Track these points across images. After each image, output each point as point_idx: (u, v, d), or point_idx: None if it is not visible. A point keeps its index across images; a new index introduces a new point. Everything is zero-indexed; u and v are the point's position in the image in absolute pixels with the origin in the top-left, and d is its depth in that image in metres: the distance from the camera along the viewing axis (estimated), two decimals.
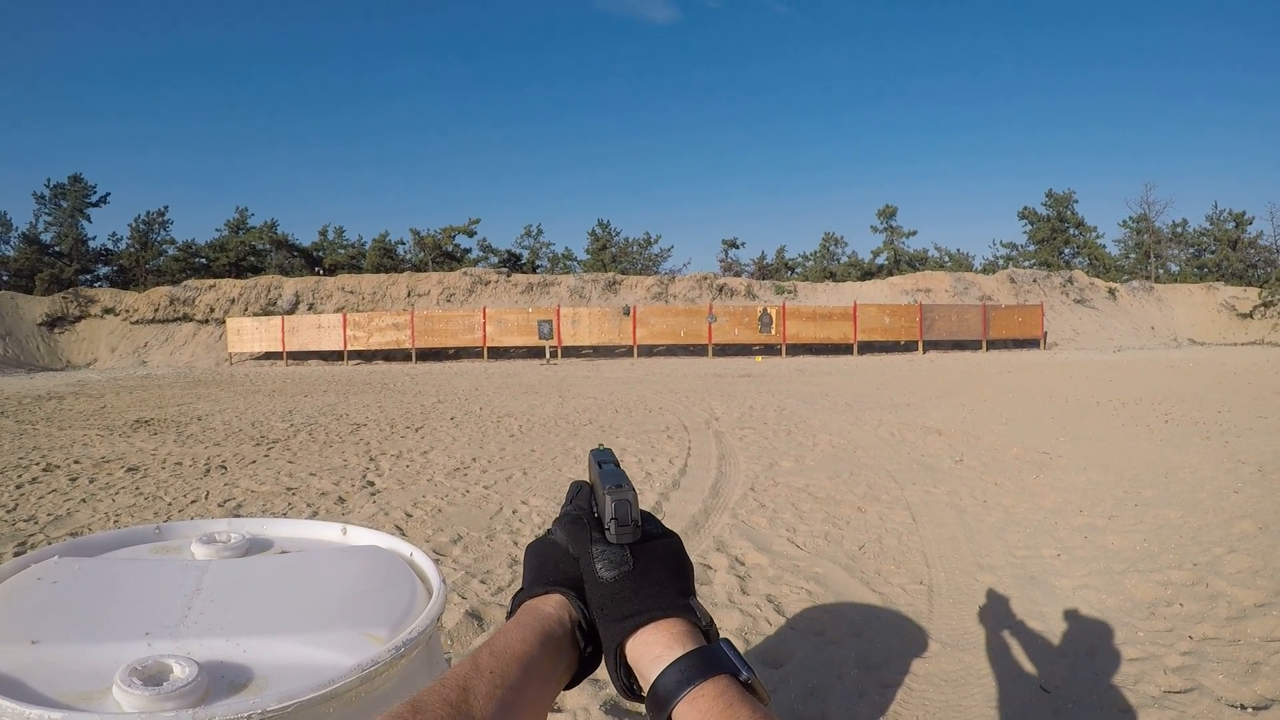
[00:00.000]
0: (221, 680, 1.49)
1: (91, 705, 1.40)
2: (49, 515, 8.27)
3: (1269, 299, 34.19)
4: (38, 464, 10.91)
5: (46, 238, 46.04)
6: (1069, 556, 6.38)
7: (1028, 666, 4.69)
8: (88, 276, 45.70)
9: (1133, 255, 52.29)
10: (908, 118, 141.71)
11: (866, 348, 28.96)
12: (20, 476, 10.10)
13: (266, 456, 11.81)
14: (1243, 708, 4.03)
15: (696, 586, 4.69)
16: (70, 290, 40.32)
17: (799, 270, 47.34)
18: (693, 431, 13.30)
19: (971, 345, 28.37)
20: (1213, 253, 49.80)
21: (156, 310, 38.53)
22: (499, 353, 32.17)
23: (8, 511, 8.38)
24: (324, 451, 12.20)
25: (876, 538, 7.18)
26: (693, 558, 6.66)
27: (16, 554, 6.96)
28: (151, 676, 1.43)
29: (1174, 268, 50.20)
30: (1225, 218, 50.37)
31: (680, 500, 8.74)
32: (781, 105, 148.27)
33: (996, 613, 5.46)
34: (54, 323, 38.23)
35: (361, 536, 2.37)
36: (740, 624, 5.43)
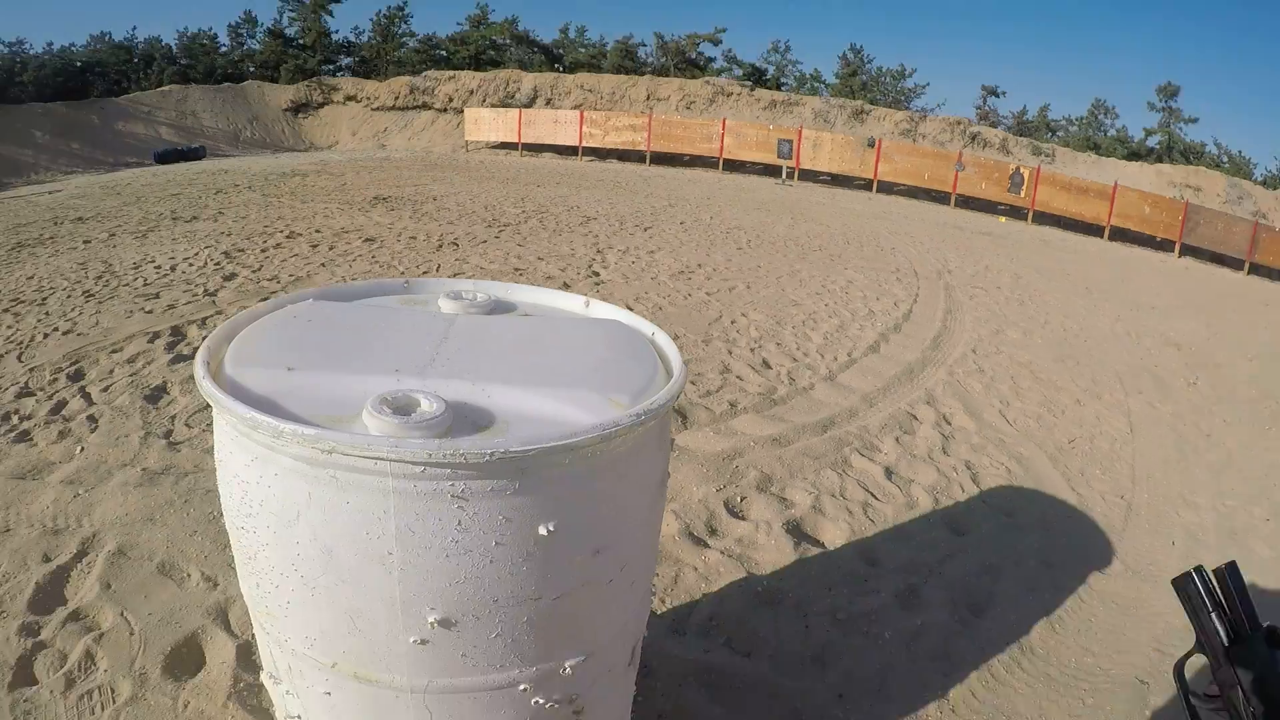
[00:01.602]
0: (465, 419, 1.67)
1: (341, 426, 1.59)
2: (291, 276, 9.21)
3: None
4: (281, 232, 11.80)
5: (291, 31, 47.68)
6: (1277, 524, 6.05)
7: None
8: (330, 67, 47.21)
9: None
10: None
11: (1118, 234, 27.25)
12: (265, 242, 11.03)
13: (497, 238, 12.39)
14: None
15: (899, 435, 4.85)
16: (314, 79, 41.89)
17: (1060, 134, 44.26)
18: (923, 279, 13.14)
19: (1233, 262, 26.14)
20: None
21: (396, 98, 39.59)
22: (734, 166, 31.68)
23: (253, 271, 9.42)
24: (553, 239, 12.67)
25: (1089, 436, 7.09)
26: (902, 405, 6.93)
27: None
28: (400, 407, 1.61)
29: None
30: None
31: (899, 344, 8.83)
32: None
33: (1190, 556, 5.31)
34: (298, 109, 39.97)
35: (603, 310, 2.53)
36: (934, 482, 5.60)
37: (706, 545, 4.47)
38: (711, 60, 48.24)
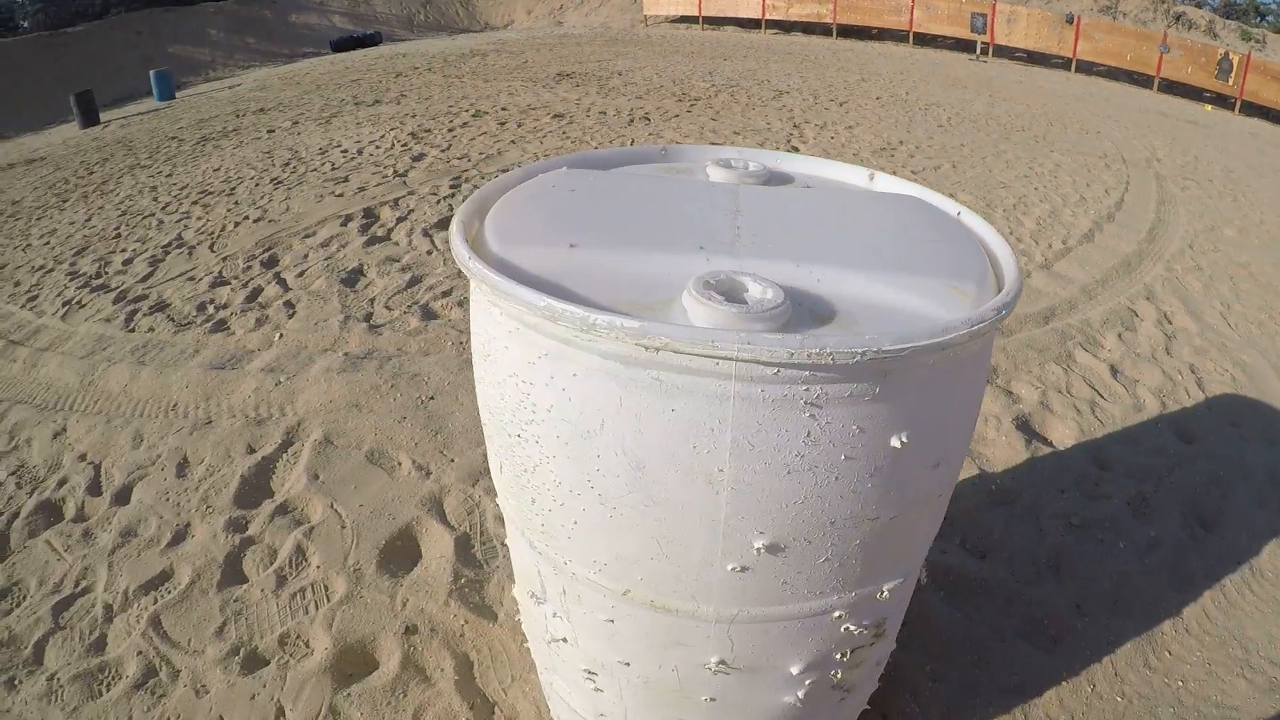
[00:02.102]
0: (802, 309, 1.37)
1: (655, 315, 1.31)
2: (481, 154, 8.86)
3: None
4: (467, 110, 11.45)
5: None
6: None
7: None
8: None
9: None
10: None
11: None
12: (451, 122, 10.69)
13: (689, 112, 11.83)
14: None
15: (1121, 331, 4.48)
16: None
17: (1271, 19, 40.36)
18: (1131, 166, 12.23)
19: None
20: None
21: None
22: (924, 40, 29.81)
23: (442, 150, 9.08)
24: (746, 113, 12.09)
25: None
26: (1121, 299, 6.42)
27: (452, 186, 7.53)
28: (729, 292, 1.33)
29: None
30: None
31: (1114, 234, 8.19)
32: None
33: None
34: None
35: (894, 185, 2.16)
36: (1159, 384, 5.19)
37: None
38: None
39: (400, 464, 3.60)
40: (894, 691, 2.75)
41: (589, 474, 1.41)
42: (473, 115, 11.14)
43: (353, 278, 5.68)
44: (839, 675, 1.76)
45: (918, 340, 1.24)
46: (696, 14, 31.86)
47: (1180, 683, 3.11)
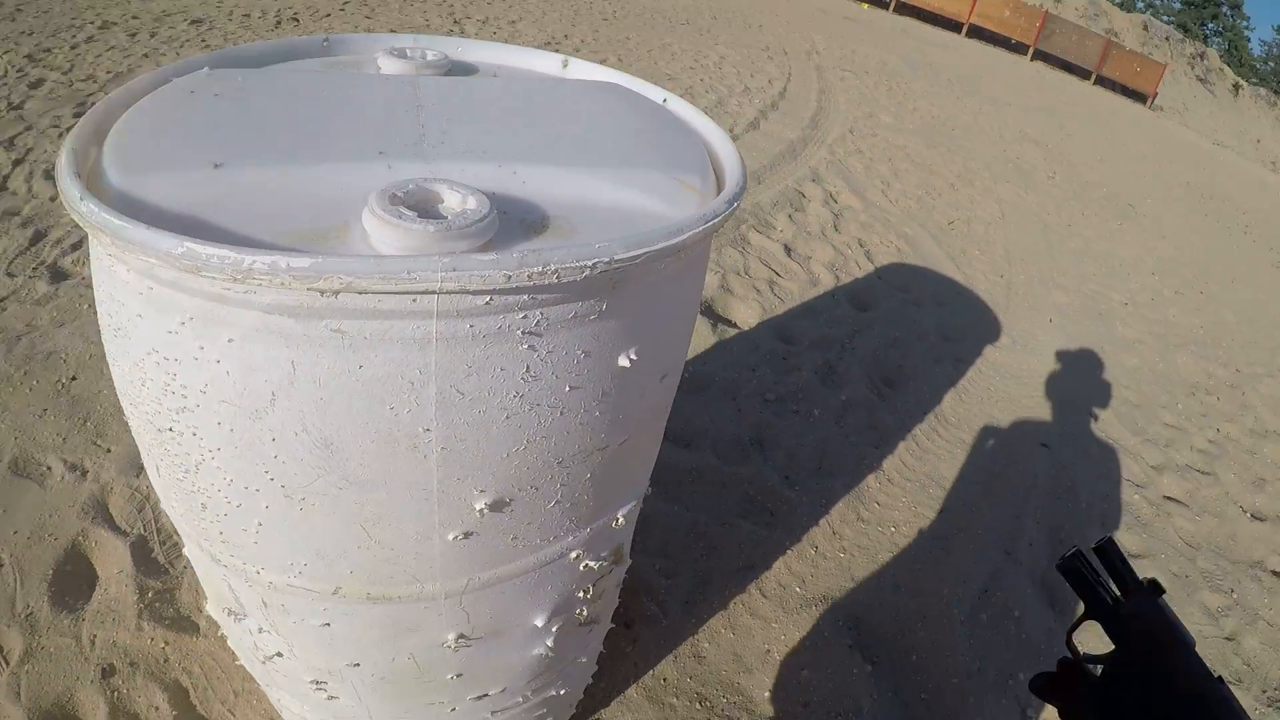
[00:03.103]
0: (510, 218, 1.07)
1: (330, 245, 0.96)
2: (108, 73, 7.18)
3: None
4: (92, 23, 9.60)
5: None
6: (1134, 310, 6.22)
7: (1083, 391, 4.66)
8: None
9: (1271, 64, 48.10)
10: None
11: (976, 33, 26.84)
12: (75, 36, 8.80)
13: (342, 11, 10.66)
14: (1243, 509, 4.06)
15: (791, 212, 4.48)
16: None
17: None
18: (793, 58, 12.48)
19: (1080, 72, 26.36)
20: None
21: None
22: None
23: (64, 74, 7.20)
24: (404, 10, 11.10)
25: (965, 219, 6.92)
26: (789, 183, 6.47)
27: (75, 115, 5.98)
28: (420, 204, 1.01)
29: None
30: None
31: (778, 122, 8.27)
32: None
33: (1065, 332, 5.39)
34: None
35: (592, 71, 1.85)
36: (832, 259, 5.28)
37: None
38: None
39: (51, 469, 2.81)
40: (632, 598, 2.61)
41: (265, 463, 1.06)
42: (99, 28, 9.55)
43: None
44: (584, 612, 1.54)
45: (654, 244, 1.01)
46: None
47: (893, 528, 3.17)
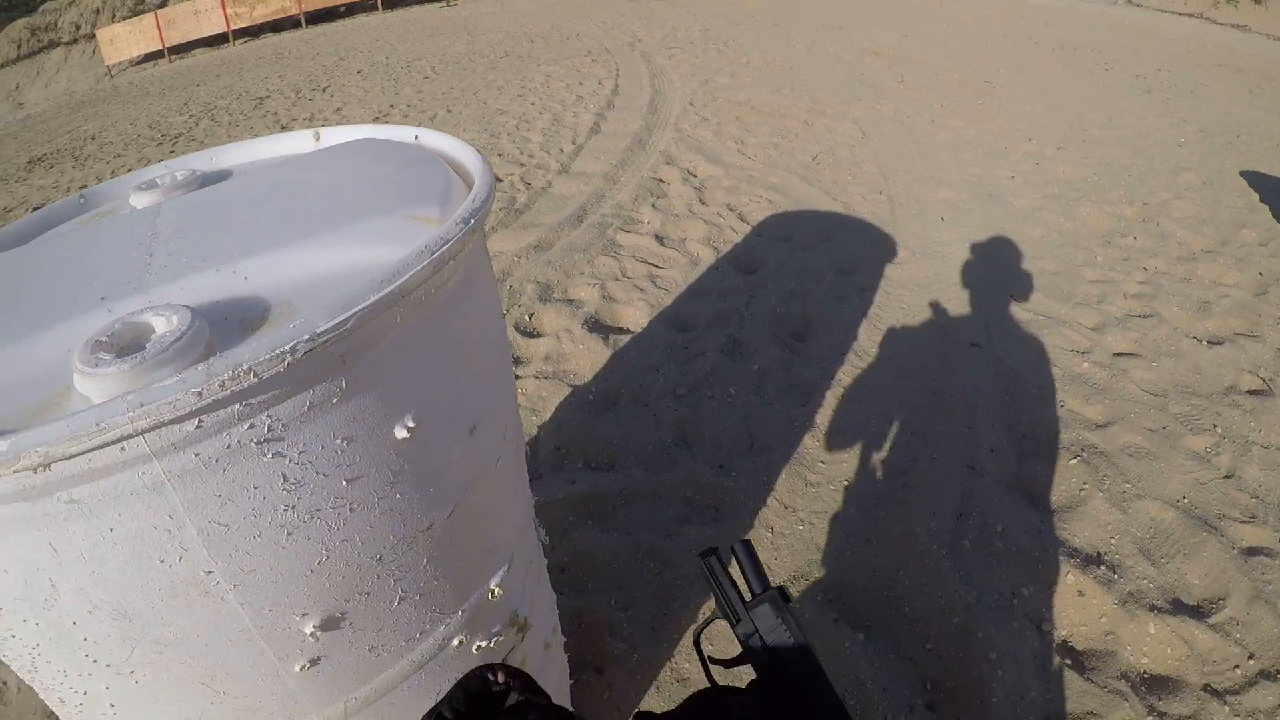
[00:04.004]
0: (226, 322, 1.01)
1: (44, 414, 0.91)
2: None
3: None
4: None
5: None
6: (1023, 180, 6.26)
7: (998, 280, 4.65)
8: None
9: None
10: None
11: None
12: None
13: (172, 153, 10.73)
14: (1197, 339, 4.08)
15: (654, 200, 4.43)
16: None
17: None
18: (617, 54, 12.54)
19: None
20: None
21: (20, 47, 33.16)
22: (394, 2, 29.51)
23: None
24: (230, 133, 11.15)
25: (828, 149, 6.92)
26: (644, 173, 6.44)
27: None
28: (127, 344, 0.94)
29: None
30: None
31: (618, 119, 8.26)
32: None
33: (960, 225, 5.39)
34: None
35: (343, 134, 1.81)
36: (706, 233, 5.24)
37: (517, 376, 3.93)
38: None
39: (6, 682, 2.71)
40: (595, 640, 2.52)
41: (80, 647, 1.02)
42: None
43: None
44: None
45: (365, 300, 0.92)
46: (160, 47, 29.54)
47: (845, 483, 3.12)
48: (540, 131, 8.04)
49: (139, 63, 30.40)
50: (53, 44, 34.47)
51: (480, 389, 1.20)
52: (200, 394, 0.83)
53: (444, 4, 27.67)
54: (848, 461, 3.22)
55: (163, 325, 0.95)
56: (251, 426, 0.90)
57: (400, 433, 1.03)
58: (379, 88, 12.18)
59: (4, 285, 1.26)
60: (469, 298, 1.19)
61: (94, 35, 32.17)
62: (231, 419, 0.88)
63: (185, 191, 1.61)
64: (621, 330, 4.21)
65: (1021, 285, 4.58)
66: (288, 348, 0.86)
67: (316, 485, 0.97)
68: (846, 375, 3.75)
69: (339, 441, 0.97)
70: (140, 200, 1.60)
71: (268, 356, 0.85)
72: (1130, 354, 3.97)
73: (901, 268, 4.77)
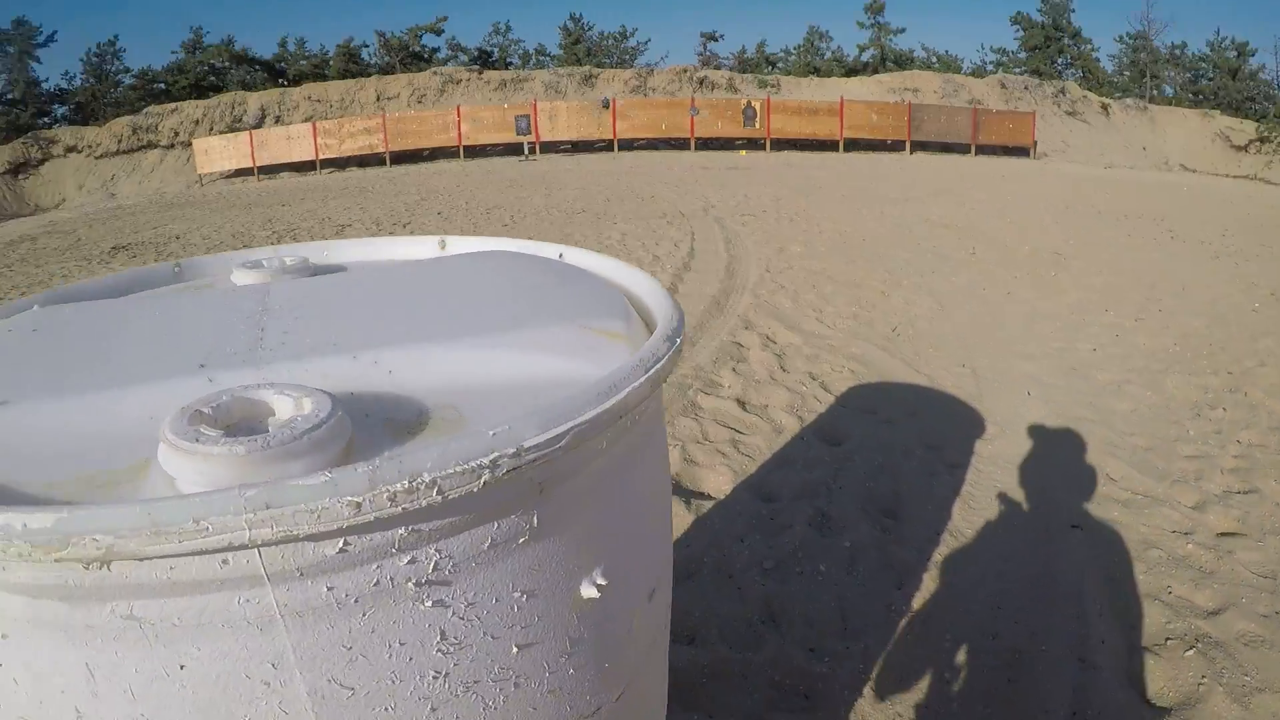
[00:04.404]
0: (369, 421, 0.84)
1: (119, 491, 0.75)
2: None
3: (1266, 134, 32.90)
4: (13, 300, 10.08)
5: None
6: (1104, 353, 6.17)
7: (1092, 457, 4.50)
8: (45, 119, 41.64)
9: (1127, 73, 50.45)
10: None
11: (852, 145, 28.14)
12: None
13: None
14: None
15: (734, 365, 4.38)
16: (29, 134, 36.00)
17: (781, 65, 45.30)
18: (691, 218, 12.81)
19: (960, 148, 27.70)
20: (1210, 79, 47.77)
21: (120, 142, 35.15)
22: (475, 151, 30.48)
23: None
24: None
25: (907, 321, 6.92)
26: (723, 337, 6.43)
27: None
28: (237, 425, 0.78)
29: (1169, 90, 48.29)
30: (1227, 46, 48.22)
31: (695, 281, 8.37)
32: None
33: (1047, 400, 5.26)
34: (17, 169, 34.00)
35: (472, 244, 1.69)
36: (789, 401, 5.16)
37: None
38: (436, 51, 46.15)
39: None
40: None
41: None
42: None
43: None
44: None
45: (582, 413, 0.76)
46: (251, 165, 30.63)
47: (946, 676, 2.90)
48: None
49: (229, 176, 31.59)
50: (151, 145, 35.86)
51: (659, 545, 1.04)
52: (359, 506, 0.65)
53: (523, 158, 28.69)
54: (948, 651, 3.03)
55: (287, 408, 0.80)
56: (413, 562, 0.72)
57: (588, 590, 0.85)
58: (458, 230, 12.46)
59: (85, 334, 1.13)
60: (655, 428, 1.06)
61: (190, 144, 33.62)
62: (389, 547, 0.71)
63: (296, 277, 1.48)
64: (703, 495, 4.08)
65: (1116, 462, 4.40)
66: (487, 460, 0.69)
67: (481, 649, 0.78)
68: (942, 556, 3.56)
69: (517, 594, 0.79)
70: (244, 278, 1.48)
71: (459, 469, 0.68)
72: (1234, 534, 3.75)
73: (991, 444, 4.63)
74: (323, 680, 0.73)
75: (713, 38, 47.66)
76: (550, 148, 30.26)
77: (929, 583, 3.39)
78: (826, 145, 28.40)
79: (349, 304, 1.21)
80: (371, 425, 0.83)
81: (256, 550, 0.66)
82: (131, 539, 0.61)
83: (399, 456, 0.67)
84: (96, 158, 35.40)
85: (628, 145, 30.10)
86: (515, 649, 0.80)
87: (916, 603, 3.27)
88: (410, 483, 0.66)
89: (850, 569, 3.46)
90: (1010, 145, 27.97)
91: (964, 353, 6.14)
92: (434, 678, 0.77)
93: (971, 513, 3.92)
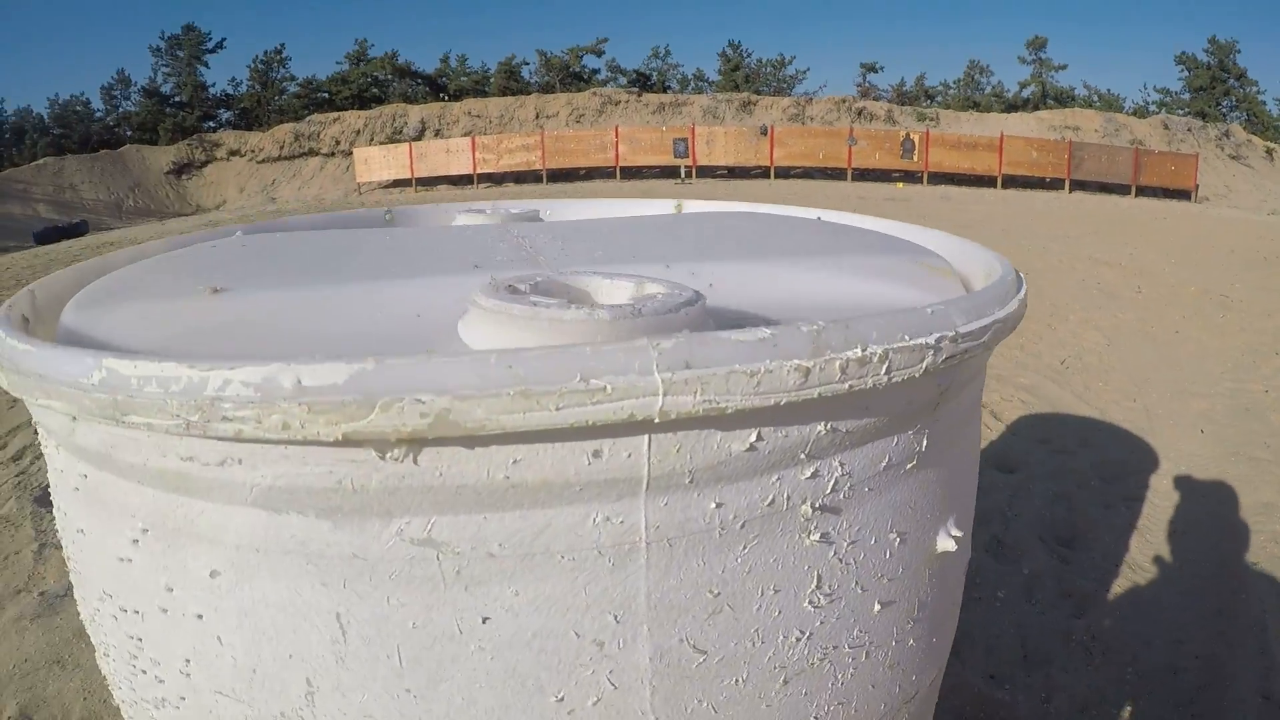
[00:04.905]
0: (714, 317, 0.70)
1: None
2: None
3: None
4: None
5: (166, 89, 43.09)
6: (1277, 395, 5.90)
7: (1268, 495, 4.32)
8: (210, 123, 43.31)
9: None
10: None
11: (1010, 181, 27.47)
12: None
13: None
14: None
15: None
16: (194, 136, 37.71)
17: (940, 99, 44.81)
18: None
19: (1120, 189, 26.80)
20: None
21: (282, 147, 36.50)
22: (632, 172, 30.71)
23: None
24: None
25: (1075, 355, 6.74)
26: None
27: None
28: (561, 297, 0.64)
29: None
30: None
31: None
32: None
33: (1220, 439, 5.09)
34: (181, 170, 35.78)
35: (712, 207, 1.63)
36: None
37: None
38: (595, 72, 46.92)
39: None
40: None
41: None
42: None
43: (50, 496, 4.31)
44: None
45: (995, 310, 0.70)
46: (409, 176, 31.28)
47: (1128, 709, 2.83)
48: None
49: (387, 186, 32.48)
50: (312, 152, 37.19)
51: (972, 483, 0.97)
52: (807, 373, 0.53)
53: (679, 181, 28.84)
54: (1131, 684, 2.95)
55: (621, 293, 0.69)
56: (815, 476, 0.59)
57: (944, 542, 0.74)
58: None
59: (310, 254, 1.00)
60: (979, 386, 0.98)
61: (350, 153, 34.74)
62: (798, 450, 0.57)
63: (529, 220, 1.39)
64: None
65: None
66: (931, 340, 0.59)
67: (848, 604, 0.66)
68: (1121, 588, 3.46)
69: (893, 536, 0.67)
70: (468, 221, 1.36)
71: (907, 344, 0.57)
72: None
73: (1165, 479, 4.49)
74: (674, 640, 0.58)
75: (872, 69, 47.34)
76: (707, 172, 30.37)
77: (1108, 614, 3.30)
78: (984, 181, 27.82)
79: (615, 239, 1.06)
80: (721, 320, 0.71)
81: (646, 438, 0.52)
82: (479, 402, 0.45)
83: (843, 322, 0.56)
84: (259, 162, 36.85)
85: (784, 173, 30.01)
86: (878, 606, 0.68)
87: (1096, 632, 3.18)
88: (862, 351, 0.55)
89: (1029, 597, 3.39)
90: (1172, 188, 26.93)
91: (1134, 388, 5.96)
92: (796, 639, 0.63)
93: (1149, 546, 3.81)
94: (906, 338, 0.57)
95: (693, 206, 1.66)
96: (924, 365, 0.58)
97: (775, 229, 1.23)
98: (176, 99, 44.08)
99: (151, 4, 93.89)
